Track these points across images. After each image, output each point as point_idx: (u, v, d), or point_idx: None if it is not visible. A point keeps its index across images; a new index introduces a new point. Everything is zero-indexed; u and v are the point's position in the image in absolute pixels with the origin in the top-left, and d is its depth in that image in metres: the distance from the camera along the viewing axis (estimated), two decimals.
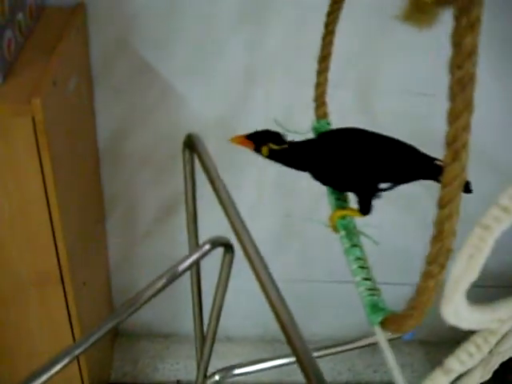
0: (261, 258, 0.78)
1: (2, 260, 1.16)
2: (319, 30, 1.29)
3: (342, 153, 0.85)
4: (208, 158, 0.92)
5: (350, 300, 1.92)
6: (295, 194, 1.62)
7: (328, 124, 0.96)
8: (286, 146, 0.87)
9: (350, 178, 0.85)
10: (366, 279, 0.74)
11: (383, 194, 0.85)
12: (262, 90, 1.39)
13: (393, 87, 1.40)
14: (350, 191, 0.89)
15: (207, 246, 0.93)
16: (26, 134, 0.96)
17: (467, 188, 0.82)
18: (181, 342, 1.98)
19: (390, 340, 1.05)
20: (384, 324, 0.67)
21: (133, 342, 1.95)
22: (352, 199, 0.89)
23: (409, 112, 1.43)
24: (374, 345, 1.10)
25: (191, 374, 1.88)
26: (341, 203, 0.88)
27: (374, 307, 0.70)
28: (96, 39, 1.28)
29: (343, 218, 0.85)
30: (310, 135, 0.93)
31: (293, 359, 0.99)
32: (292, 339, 0.67)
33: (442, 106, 1.51)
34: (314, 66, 1.34)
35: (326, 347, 1.02)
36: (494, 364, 0.54)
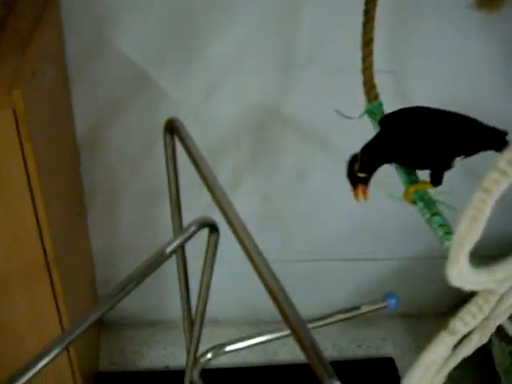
0: (250, 236, 0.79)
1: None
2: (290, 16, 1.32)
3: (414, 133, 0.87)
4: (190, 141, 0.93)
5: (330, 278, 1.96)
6: (272, 176, 1.64)
7: (381, 105, 0.99)
8: (359, 158, 0.88)
9: (425, 157, 0.87)
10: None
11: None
12: (237, 76, 1.41)
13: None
14: (426, 169, 0.90)
15: (193, 228, 0.94)
16: (7, 125, 0.96)
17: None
18: (166, 328, 2.00)
19: (374, 310, 1.09)
20: None
21: (118, 332, 1.96)
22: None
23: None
24: (358, 317, 1.13)
25: (179, 359, 1.90)
26: (411, 177, 0.91)
27: None
28: (71, 31, 1.28)
29: (417, 190, 0.87)
30: (365, 118, 0.94)
31: (282, 333, 1.02)
32: (286, 312, 0.69)
33: (404, 82, 1.53)
34: (285, 50, 1.37)
35: (316, 319, 1.04)
36: (492, 327, 0.57)
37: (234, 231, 0.80)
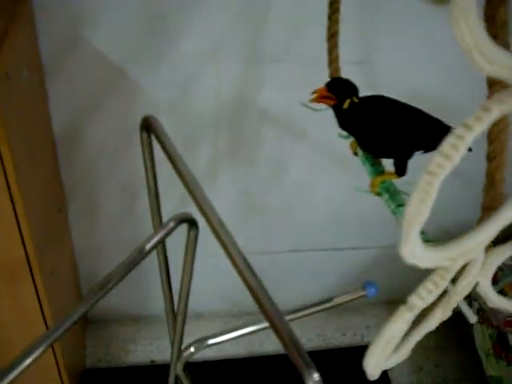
0: (226, 230, 0.80)
1: None
2: (263, 9, 1.32)
3: (380, 120, 0.87)
4: (166, 138, 0.94)
5: (312, 268, 1.98)
6: (251, 169, 1.65)
7: None
8: (353, 101, 0.86)
9: (383, 145, 0.88)
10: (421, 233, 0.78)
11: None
12: (212, 69, 1.41)
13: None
14: (387, 158, 0.91)
15: (172, 223, 0.95)
16: None
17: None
18: (151, 323, 2.01)
19: (354, 299, 1.10)
20: None
21: (103, 328, 1.97)
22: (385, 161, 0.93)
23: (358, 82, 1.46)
24: (342, 306, 1.15)
25: (164, 353, 1.91)
26: (377, 168, 0.92)
27: None
28: (45, 30, 1.27)
29: (383, 182, 0.88)
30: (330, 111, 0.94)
31: (264, 325, 1.03)
32: (263, 304, 0.70)
33: (381, 73, 1.55)
34: (259, 44, 1.37)
35: (296, 310, 1.05)
36: (453, 303, 0.59)
37: (211, 226, 0.81)
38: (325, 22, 0.92)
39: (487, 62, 0.36)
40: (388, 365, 0.60)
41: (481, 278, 0.58)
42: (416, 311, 0.56)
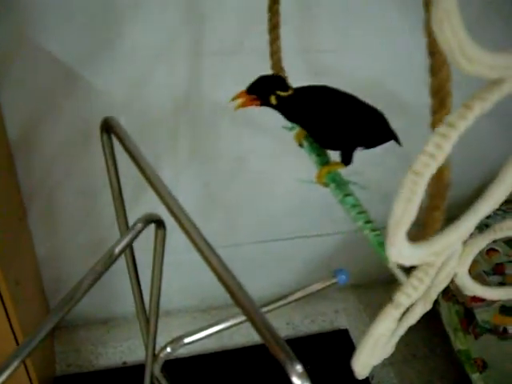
0: (196, 227, 0.80)
1: None
2: (215, 2, 1.31)
3: (316, 109, 0.84)
4: (128, 139, 0.92)
5: (279, 257, 1.98)
6: (212, 162, 1.64)
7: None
8: (291, 91, 0.83)
9: (329, 137, 0.87)
10: (367, 222, 0.77)
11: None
12: (166, 66, 1.40)
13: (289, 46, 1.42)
14: (331, 149, 0.91)
15: (140, 225, 0.94)
16: None
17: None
18: (119, 324, 1.99)
19: (326, 287, 1.11)
20: None
21: (71, 333, 1.94)
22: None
23: (310, 71, 1.47)
24: (311, 295, 1.15)
25: (135, 353, 1.90)
26: (323, 158, 0.91)
27: (383, 245, 0.73)
28: None
29: (329, 172, 0.87)
30: None
31: (239, 320, 1.03)
32: (240, 299, 0.70)
33: (346, 61, 1.56)
34: (213, 38, 1.36)
35: (269, 302, 1.06)
36: (433, 295, 0.60)
37: (180, 224, 0.80)
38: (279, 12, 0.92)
39: (468, 62, 0.37)
40: (373, 362, 0.61)
41: (459, 269, 0.59)
42: (402, 309, 0.57)
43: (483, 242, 0.59)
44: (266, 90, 0.83)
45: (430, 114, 0.50)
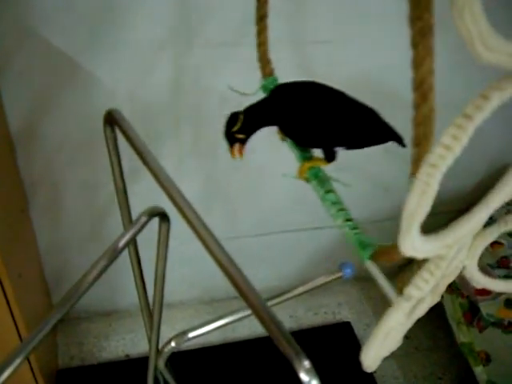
0: (202, 222, 0.79)
1: None
2: None
3: (299, 107, 0.84)
4: (132, 131, 0.91)
5: (282, 250, 1.98)
6: (214, 155, 1.63)
7: (276, 80, 0.96)
8: (242, 117, 0.85)
9: (303, 135, 0.86)
10: (348, 220, 0.77)
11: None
12: (168, 57, 1.39)
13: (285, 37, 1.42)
14: (307, 147, 0.90)
15: (144, 218, 0.93)
16: None
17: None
18: (122, 317, 1.99)
19: (332, 281, 1.10)
20: (374, 257, 0.71)
21: (75, 326, 1.94)
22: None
23: (306, 61, 1.45)
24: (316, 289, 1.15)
25: (138, 346, 1.90)
26: (306, 154, 0.90)
27: (362, 244, 0.72)
28: None
29: (311, 168, 0.86)
30: (261, 94, 0.92)
31: (244, 314, 1.02)
32: (246, 294, 0.69)
33: (341, 52, 1.54)
34: (213, 29, 1.35)
35: (275, 296, 1.05)
36: (442, 288, 0.59)
37: (186, 219, 0.80)
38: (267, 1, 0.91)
39: (488, 50, 0.36)
40: (382, 355, 0.60)
41: (468, 262, 0.58)
42: (413, 301, 0.56)
43: (493, 234, 0.58)
44: (231, 136, 0.88)
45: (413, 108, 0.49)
